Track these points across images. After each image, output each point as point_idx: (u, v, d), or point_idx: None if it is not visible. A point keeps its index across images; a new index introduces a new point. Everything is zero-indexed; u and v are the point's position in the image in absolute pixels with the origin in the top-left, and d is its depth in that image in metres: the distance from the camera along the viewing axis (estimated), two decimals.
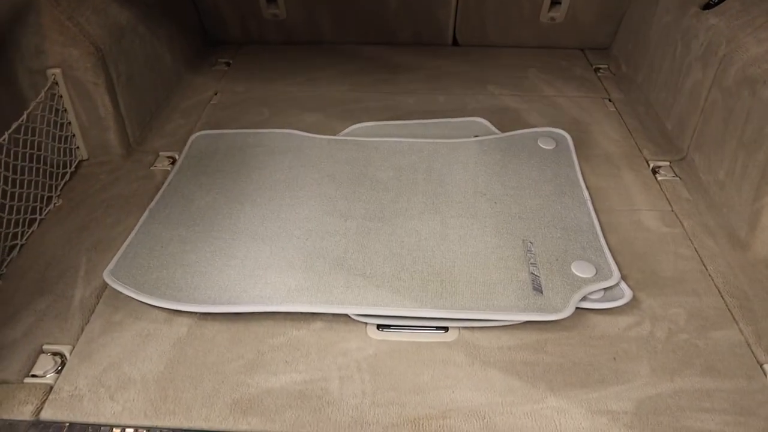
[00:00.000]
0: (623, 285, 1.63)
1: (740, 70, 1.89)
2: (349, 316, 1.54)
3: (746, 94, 1.85)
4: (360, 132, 2.27)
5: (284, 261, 1.67)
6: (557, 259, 1.68)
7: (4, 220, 1.74)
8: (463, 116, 2.36)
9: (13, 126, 1.81)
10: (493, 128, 2.28)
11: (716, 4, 2.19)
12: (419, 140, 2.17)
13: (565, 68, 2.81)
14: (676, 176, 2.10)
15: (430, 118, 2.36)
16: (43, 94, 1.95)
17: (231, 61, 2.90)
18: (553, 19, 2.88)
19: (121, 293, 1.61)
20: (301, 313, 1.55)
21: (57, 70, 2.01)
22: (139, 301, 1.60)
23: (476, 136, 2.21)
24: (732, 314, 1.60)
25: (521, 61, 2.86)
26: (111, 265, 1.69)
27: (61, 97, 2.04)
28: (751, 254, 1.79)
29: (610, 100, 2.56)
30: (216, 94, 2.61)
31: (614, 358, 1.47)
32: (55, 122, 2.03)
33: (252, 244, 1.74)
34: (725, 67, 1.97)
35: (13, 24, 1.93)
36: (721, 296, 1.66)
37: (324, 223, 1.81)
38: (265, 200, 1.91)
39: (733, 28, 2.01)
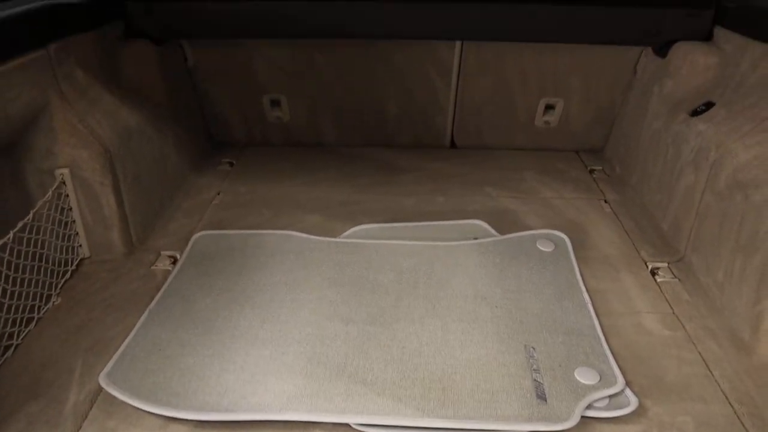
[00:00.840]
0: (628, 392, 1.61)
1: (731, 175, 1.94)
2: (350, 425, 1.50)
3: (738, 199, 1.89)
4: (361, 234, 2.29)
5: (284, 366, 1.65)
6: (560, 365, 1.66)
7: (1, 320, 1.73)
8: (462, 218, 2.40)
9: (19, 225, 1.83)
10: (492, 230, 2.31)
11: (703, 111, 2.28)
12: (419, 243, 2.20)
13: (560, 170, 2.88)
14: (675, 278, 2.11)
15: (430, 220, 2.39)
16: (50, 193, 1.99)
17: (234, 162, 2.96)
18: (547, 123, 2.98)
19: (116, 397, 1.58)
20: (301, 420, 1.51)
21: (65, 170, 2.06)
22: (134, 406, 1.56)
23: (475, 238, 2.24)
24: (742, 422, 1.57)
25: (518, 163, 2.93)
26: (107, 368, 1.66)
27: (68, 196, 2.08)
28: (756, 358, 1.77)
29: (606, 202, 2.60)
30: (219, 194, 2.66)
31: None
32: (60, 221, 2.06)
33: (251, 348, 1.72)
34: (716, 171, 2.02)
35: (26, 126, 1.98)
36: (729, 403, 1.63)
37: (324, 328, 1.79)
38: (265, 302, 1.91)
39: (720, 134, 2.08)
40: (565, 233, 2.28)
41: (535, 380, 1.61)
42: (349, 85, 2.91)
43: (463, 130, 3.04)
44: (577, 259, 2.16)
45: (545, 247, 2.19)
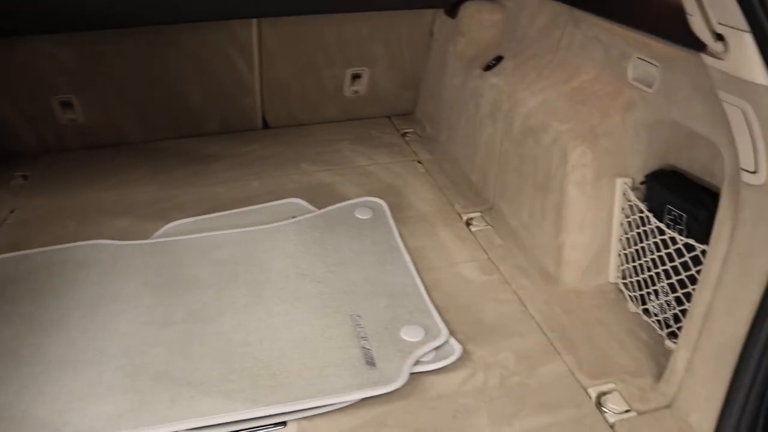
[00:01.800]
0: (452, 341, 1.67)
1: (523, 122, 2.07)
2: None
3: (531, 143, 2.02)
4: (174, 231, 2.18)
5: (101, 386, 1.53)
6: (386, 328, 1.69)
7: None
8: (279, 199, 2.35)
9: None
10: (310, 207, 2.29)
11: (494, 65, 2.40)
12: (236, 231, 2.13)
13: (374, 137, 2.92)
14: (488, 225, 2.23)
15: (246, 205, 2.32)
16: None
17: (28, 174, 2.69)
18: (356, 92, 3.00)
19: None
20: None
21: None
22: None
23: (293, 217, 2.21)
24: (555, 347, 1.70)
25: (332, 135, 2.93)
26: None
27: None
28: (561, 286, 1.92)
29: (419, 162, 2.68)
30: (12, 212, 2.40)
31: (454, 416, 1.48)
32: None
33: (64, 373, 1.58)
34: (510, 120, 2.14)
35: None
36: (543, 332, 1.75)
37: (143, 336, 1.69)
38: (74, 321, 1.76)
39: (510, 86, 2.20)
40: (383, 198, 2.32)
41: (363, 347, 1.63)
42: (145, 76, 2.73)
43: (273, 109, 2.98)
44: (396, 221, 2.21)
45: (364, 215, 2.21)
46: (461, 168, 2.55)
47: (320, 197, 2.38)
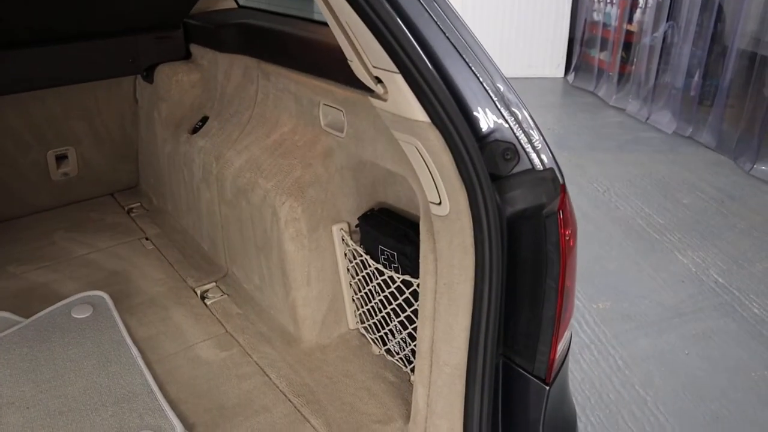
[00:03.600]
0: None
1: (233, 183, 2.00)
2: None
3: (244, 204, 1.95)
4: None
5: None
6: None
7: None
8: None
9: None
10: (16, 318, 1.98)
11: (200, 127, 2.31)
12: None
13: (95, 219, 2.66)
14: (224, 294, 2.12)
15: None
16: None
17: None
18: (66, 174, 2.72)
19: None
20: None
21: None
22: None
23: None
24: (302, 414, 1.63)
25: (46, 226, 2.62)
26: None
27: None
28: (304, 345, 1.87)
29: (147, 239, 2.49)
30: None
31: None
32: None
33: None
34: (222, 182, 2.06)
35: None
36: (289, 400, 1.68)
37: None
38: None
39: (217, 146, 2.12)
40: (105, 289, 2.10)
41: None
42: None
43: None
44: (123, 311, 2.00)
45: (81, 314, 1.97)
46: (191, 237, 2.42)
47: (32, 303, 2.07)
